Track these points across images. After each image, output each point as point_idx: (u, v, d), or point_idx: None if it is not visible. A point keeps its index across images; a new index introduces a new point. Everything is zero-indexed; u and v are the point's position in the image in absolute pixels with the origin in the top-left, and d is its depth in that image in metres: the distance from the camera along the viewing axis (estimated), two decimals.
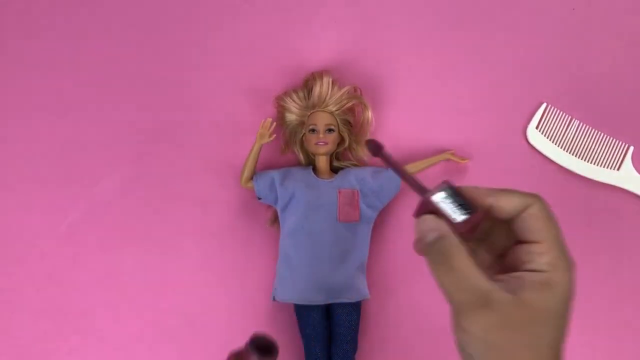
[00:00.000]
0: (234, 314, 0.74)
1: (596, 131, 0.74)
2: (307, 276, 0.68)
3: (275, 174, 0.71)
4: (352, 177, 0.71)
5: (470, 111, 0.76)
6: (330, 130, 0.71)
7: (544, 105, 0.75)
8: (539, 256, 0.41)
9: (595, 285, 0.73)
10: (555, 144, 0.74)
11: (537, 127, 0.74)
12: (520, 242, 0.42)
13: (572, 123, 0.75)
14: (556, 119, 0.75)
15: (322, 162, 0.72)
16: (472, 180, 0.75)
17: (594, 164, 0.74)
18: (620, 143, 0.74)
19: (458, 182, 0.78)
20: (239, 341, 0.74)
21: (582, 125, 0.75)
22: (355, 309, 0.70)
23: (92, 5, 0.78)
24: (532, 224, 0.42)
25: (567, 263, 0.41)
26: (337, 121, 0.72)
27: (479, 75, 0.76)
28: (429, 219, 0.41)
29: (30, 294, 0.75)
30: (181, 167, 0.76)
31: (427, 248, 0.41)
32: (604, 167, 0.73)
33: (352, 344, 0.69)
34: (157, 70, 0.77)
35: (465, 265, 0.40)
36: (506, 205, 0.42)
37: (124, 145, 0.76)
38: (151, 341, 0.74)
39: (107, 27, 0.78)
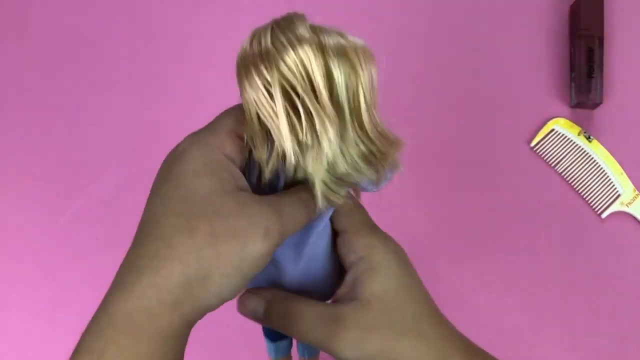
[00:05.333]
0: (234, 313, 0.74)
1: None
2: None
3: None
4: None
5: (469, 111, 0.75)
6: None
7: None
8: (354, 242, 0.41)
9: (598, 287, 0.73)
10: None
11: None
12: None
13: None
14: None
15: None
16: (475, 180, 0.74)
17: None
18: None
19: (461, 184, 0.78)
20: (239, 341, 0.74)
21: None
22: None
23: (92, 4, 0.78)
24: (337, 217, 0.42)
25: (380, 238, 0.41)
26: None
27: (479, 75, 0.76)
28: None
29: (27, 293, 0.74)
30: None
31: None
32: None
33: None
34: (158, 69, 0.77)
35: (300, 310, 0.40)
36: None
37: (122, 144, 0.76)
38: None
39: (107, 25, 0.78)
